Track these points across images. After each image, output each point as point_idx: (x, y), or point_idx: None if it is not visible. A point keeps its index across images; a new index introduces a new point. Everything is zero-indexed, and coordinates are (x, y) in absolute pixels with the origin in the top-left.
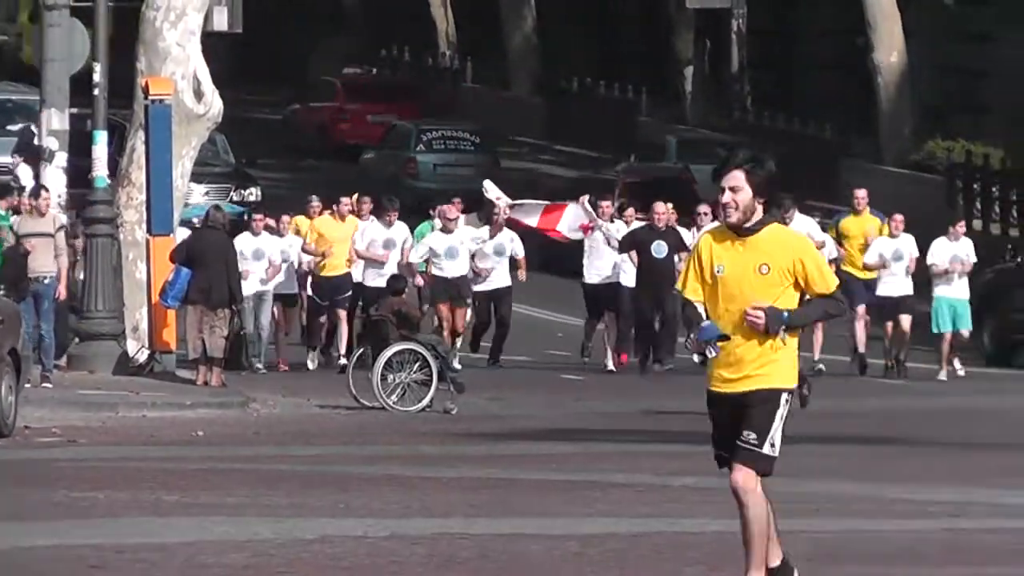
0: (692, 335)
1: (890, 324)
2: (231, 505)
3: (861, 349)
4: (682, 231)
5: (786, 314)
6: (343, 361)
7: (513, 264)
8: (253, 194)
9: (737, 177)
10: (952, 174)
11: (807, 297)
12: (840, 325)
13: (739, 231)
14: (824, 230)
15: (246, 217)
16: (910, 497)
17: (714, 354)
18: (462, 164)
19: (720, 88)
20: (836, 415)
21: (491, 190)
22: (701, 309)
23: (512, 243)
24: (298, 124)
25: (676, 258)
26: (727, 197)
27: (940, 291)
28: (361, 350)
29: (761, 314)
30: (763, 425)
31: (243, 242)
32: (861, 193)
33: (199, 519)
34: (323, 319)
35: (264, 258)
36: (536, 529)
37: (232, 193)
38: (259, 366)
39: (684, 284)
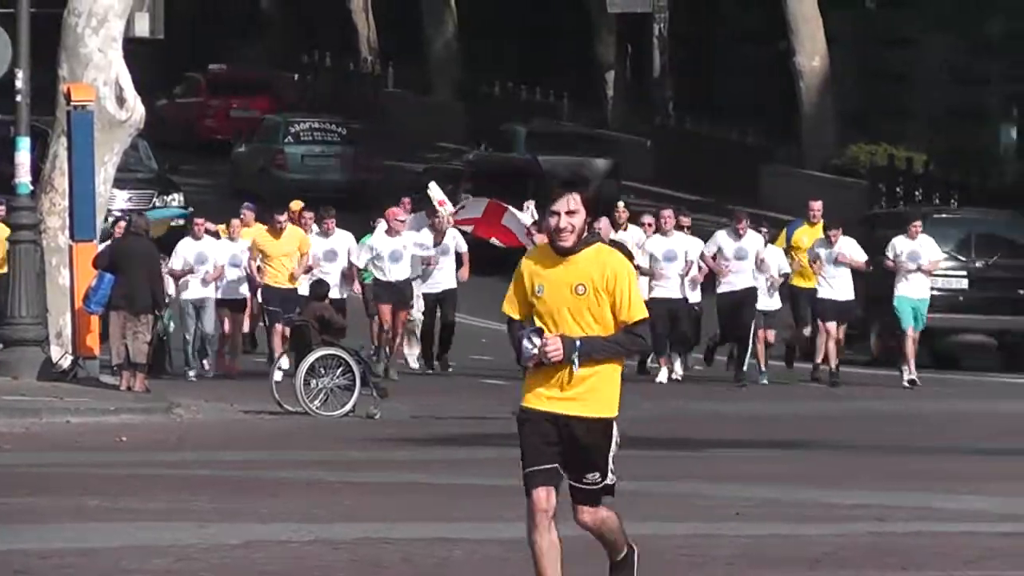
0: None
1: (831, 325)
2: (155, 510)
3: (832, 365)
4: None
5: (579, 342)
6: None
7: (458, 262)
8: (176, 200)
9: (576, 200)
10: (875, 178)
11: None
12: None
13: (562, 251)
14: (773, 240)
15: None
16: (835, 501)
17: (535, 345)
18: (329, 155)
19: (642, 93)
20: (761, 419)
21: (435, 192)
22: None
23: (455, 240)
24: (166, 119)
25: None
26: (564, 222)
27: (901, 290)
28: (283, 355)
29: (555, 343)
30: (603, 461)
31: (185, 247)
32: (817, 205)
33: (123, 524)
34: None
35: (208, 262)
36: (459, 533)
37: (155, 199)
38: (191, 374)
39: (505, 303)
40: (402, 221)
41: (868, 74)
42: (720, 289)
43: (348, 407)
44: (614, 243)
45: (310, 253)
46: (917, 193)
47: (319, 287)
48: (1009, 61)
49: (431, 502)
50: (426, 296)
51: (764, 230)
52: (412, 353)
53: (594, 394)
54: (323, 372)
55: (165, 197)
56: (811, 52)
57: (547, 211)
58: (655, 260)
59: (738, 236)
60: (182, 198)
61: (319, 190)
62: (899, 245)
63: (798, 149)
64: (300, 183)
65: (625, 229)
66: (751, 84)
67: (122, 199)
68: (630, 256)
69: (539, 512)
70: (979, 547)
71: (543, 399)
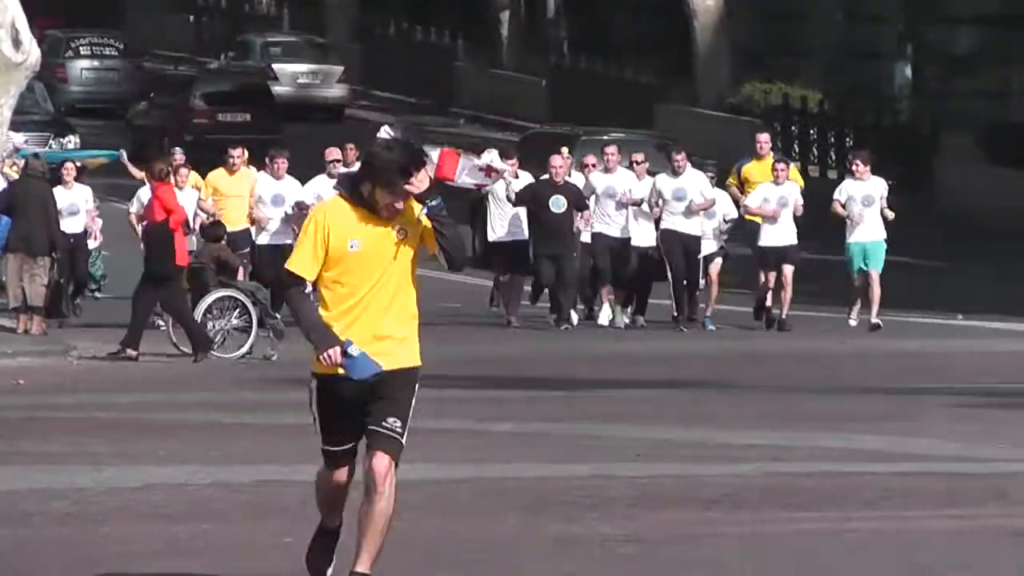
0: (319, 344)
1: (772, 275)
2: (53, 453)
3: (784, 311)
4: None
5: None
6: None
7: None
8: (72, 142)
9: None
10: (769, 117)
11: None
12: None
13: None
14: (726, 179)
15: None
16: (730, 441)
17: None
18: (107, 68)
19: (536, 32)
20: (659, 359)
21: (384, 134)
22: (316, 308)
23: None
24: None
25: (575, 215)
26: (401, 203)
27: (852, 236)
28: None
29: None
30: (405, 410)
31: (59, 195)
32: (764, 137)
33: (21, 468)
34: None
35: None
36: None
37: (51, 141)
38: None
39: (298, 263)
40: (338, 161)
41: (762, 13)
42: (663, 226)
43: (245, 348)
44: (568, 184)
45: (258, 196)
46: (812, 132)
47: (215, 228)
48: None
49: None
50: None
51: (711, 172)
52: None
53: (406, 344)
54: (220, 314)
55: (61, 139)
56: None
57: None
58: (596, 197)
59: (676, 174)
60: (78, 139)
61: (98, 102)
62: (849, 188)
63: (693, 88)
64: (80, 96)
65: (569, 173)
66: (645, 23)
67: (19, 140)
68: (583, 199)
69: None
70: (875, 487)
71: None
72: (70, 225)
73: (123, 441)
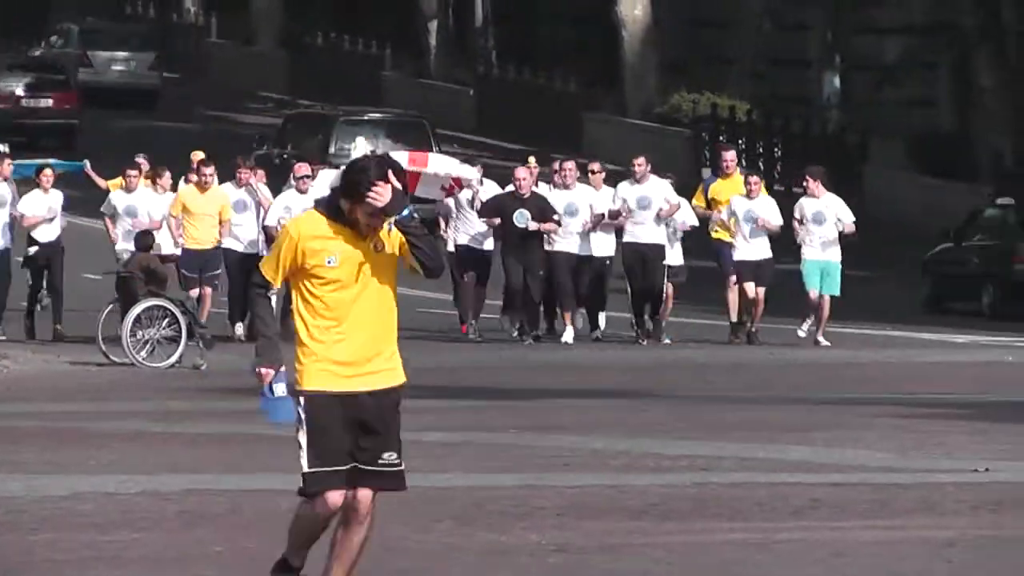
0: (259, 356)
1: (749, 285)
2: None
3: (734, 318)
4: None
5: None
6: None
7: None
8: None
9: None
10: (698, 127)
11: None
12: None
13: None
14: (689, 199)
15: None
16: (659, 451)
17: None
18: None
19: (465, 42)
20: (589, 368)
21: (361, 147)
22: (273, 318)
23: None
24: None
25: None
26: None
27: (808, 253)
28: (110, 306)
29: (385, 189)
30: (397, 438)
31: (116, 198)
32: (729, 155)
33: None
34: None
35: (138, 215)
36: (285, 484)
37: None
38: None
39: (267, 266)
40: (309, 177)
41: (690, 22)
42: (625, 238)
43: (174, 358)
44: (536, 195)
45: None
46: (741, 141)
47: (144, 238)
48: (829, 8)
49: (257, 452)
50: None
51: (671, 176)
52: None
53: (390, 361)
54: (149, 323)
55: None
56: (633, 1)
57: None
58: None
59: (636, 181)
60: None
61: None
62: (805, 206)
63: (621, 97)
64: None
65: (536, 184)
66: (573, 32)
67: None
68: (552, 211)
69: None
70: (804, 497)
71: (336, 378)
72: (46, 233)
73: (52, 450)
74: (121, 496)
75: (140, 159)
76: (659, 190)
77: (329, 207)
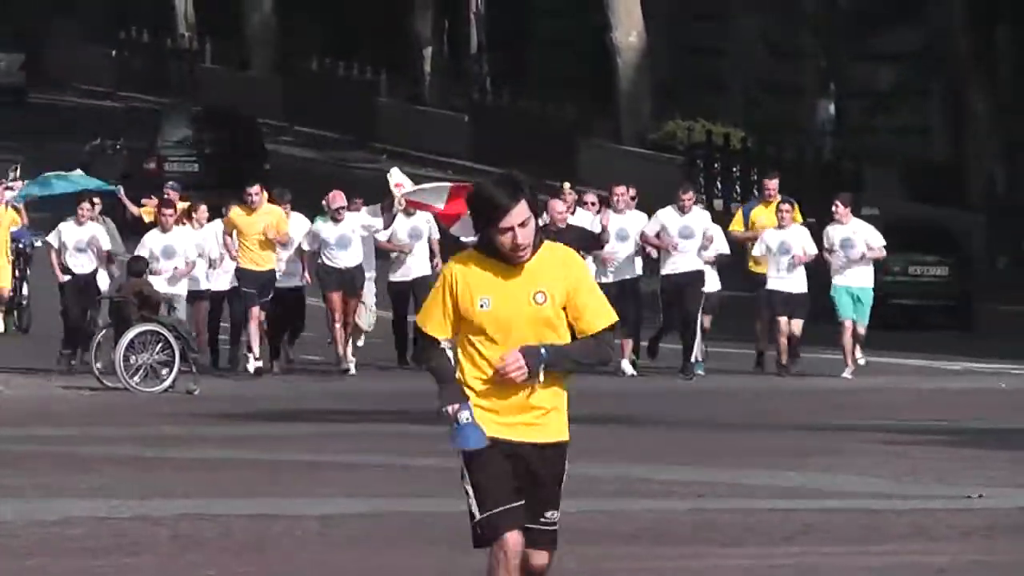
0: (444, 403)
1: (783, 320)
2: None
3: (783, 359)
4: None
5: (544, 351)
6: (253, 363)
7: (432, 250)
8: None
9: (524, 209)
10: (692, 154)
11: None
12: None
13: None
14: (725, 226)
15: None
16: (652, 476)
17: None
18: None
19: (459, 68)
20: (581, 394)
21: (395, 176)
22: (450, 366)
23: (428, 224)
24: None
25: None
26: (521, 237)
27: (839, 280)
28: (104, 331)
29: (516, 358)
30: (559, 495)
31: (152, 239)
32: (773, 184)
33: None
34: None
35: (177, 256)
36: (276, 509)
37: None
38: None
39: (427, 319)
40: (335, 208)
41: (684, 49)
42: (664, 271)
43: (167, 383)
44: (572, 227)
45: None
46: (735, 169)
47: (136, 263)
48: (824, 36)
49: (248, 478)
50: (396, 285)
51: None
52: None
53: (556, 415)
54: (142, 348)
55: None
56: (628, 28)
57: (491, 226)
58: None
59: (683, 212)
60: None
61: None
62: (832, 233)
63: (615, 124)
64: None
65: (572, 212)
66: (567, 59)
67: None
68: (596, 238)
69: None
70: (797, 523)
71: (497, 425)
72: (81, 264)
73: (45, 474)
74: (113, 521)
75: (170, 191)
76: (701, 221)
77: (481, 242)
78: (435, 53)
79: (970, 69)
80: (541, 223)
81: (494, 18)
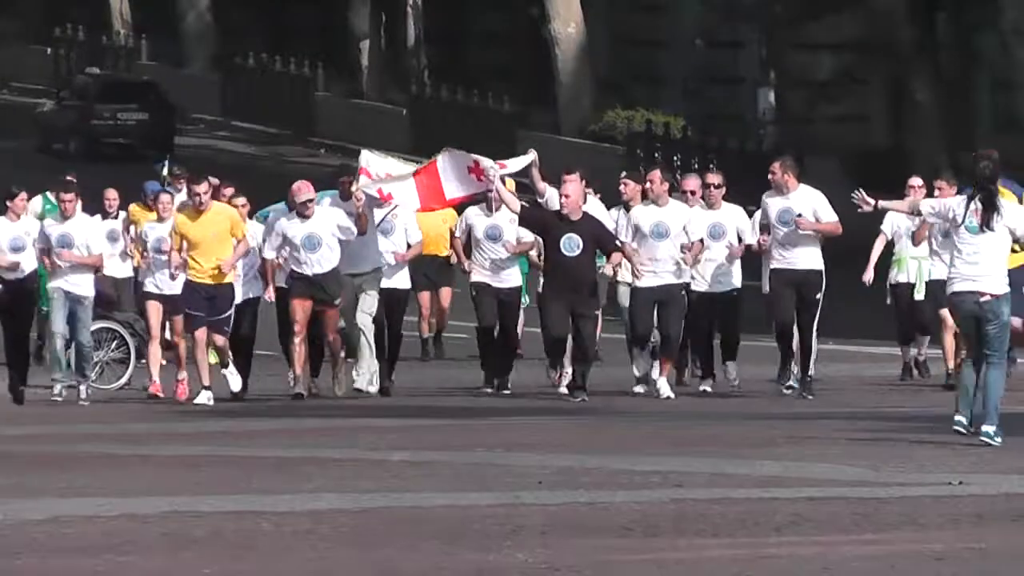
0: None
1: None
2: None
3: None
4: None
5: None
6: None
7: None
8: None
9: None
10: (633, 143)
11: None
12: None
13: None
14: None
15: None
16: (629, 468)
17: None
18: None
19: (397, 62)
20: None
21: (364, 159)
22: None
23: (405, 229)
24: None
25: (596, 256)
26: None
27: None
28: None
29: None
30: None
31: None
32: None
33: None
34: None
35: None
36: (263, 506)
37: None
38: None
39: None
40: (303, 202)
41: (623, 40)
42: (774, 265)
43: (124, 380)
44: (588, 217)
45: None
46: (676, 157)
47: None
48: (764, 25)
49: (229, 475)
50: (483, 288)
51: (600, 194)
52: (362, 374)
53: None
54: (98, 345)
55: None
56: (566, 19)
57: None
58: (642, 236)
59: (709, 207)
60: None
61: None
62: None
63: (555, 115)
64: None
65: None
66: (505, 51)
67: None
68: (611, 237)
69: None
70: (786, 512)
71: None
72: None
73: (20, 474)
74: (102, 519)
75: (70, 176)
76: (734, 217)
77: None
78: (373, 47)
79: (912, 57)
80: (556, 207)
81: (431, 11)
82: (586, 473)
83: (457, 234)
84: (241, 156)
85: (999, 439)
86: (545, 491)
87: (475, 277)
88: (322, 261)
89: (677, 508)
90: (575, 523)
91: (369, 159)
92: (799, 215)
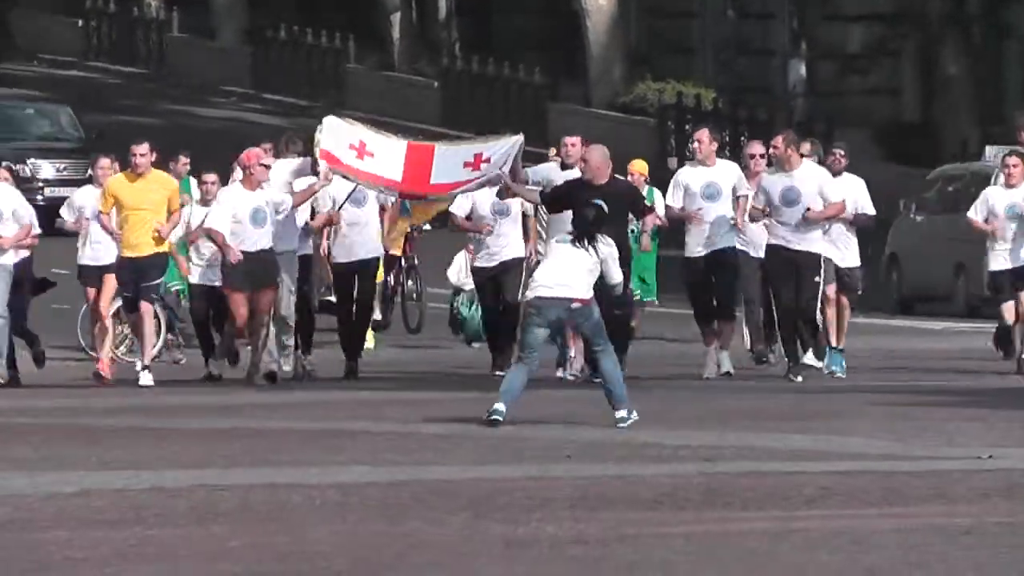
0: None
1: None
2: None
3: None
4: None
5: None
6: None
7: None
8: None
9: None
10: (664, 116)
11: None
12: None
13: None
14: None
15: None
16: (661, 441)
17: None
18: None
19: (428, 34)
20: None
21: (324, 138)
22: None
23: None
24: None
25: (632, 229)
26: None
27: (998, 262)
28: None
29: None
30: None
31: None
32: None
33: None
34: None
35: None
36: (292, 479)
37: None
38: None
39: None
40: (266, 166)
41: (654, 11)
42: (771, 242)
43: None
44: (616, 181)
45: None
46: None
47: None
48: None
49: (257, 447)
50: (480, 272)
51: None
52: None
53: None
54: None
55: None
56: None
57: None
58: (690, 197)
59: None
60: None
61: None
62: (993, 196)
63: (585, 87)
64: None
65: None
66: (536, 23)
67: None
68: (640, 202)
69: None
70: (815, 486)
71: None
72: None
73: (50, 446)
74: (131, 492)
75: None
76: (732, 175)
77: None
78: (403, 19)
79: (942, 30)
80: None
81: None
82: (615, 446)
83: (460, 212)
84: (272, 128)
85: None
86: (574, 464)
87: (475, 263)
88: (263, 238)
89: (706, 481)
90: (604, 496)
91: (336, 131)
92: (808, 209)
